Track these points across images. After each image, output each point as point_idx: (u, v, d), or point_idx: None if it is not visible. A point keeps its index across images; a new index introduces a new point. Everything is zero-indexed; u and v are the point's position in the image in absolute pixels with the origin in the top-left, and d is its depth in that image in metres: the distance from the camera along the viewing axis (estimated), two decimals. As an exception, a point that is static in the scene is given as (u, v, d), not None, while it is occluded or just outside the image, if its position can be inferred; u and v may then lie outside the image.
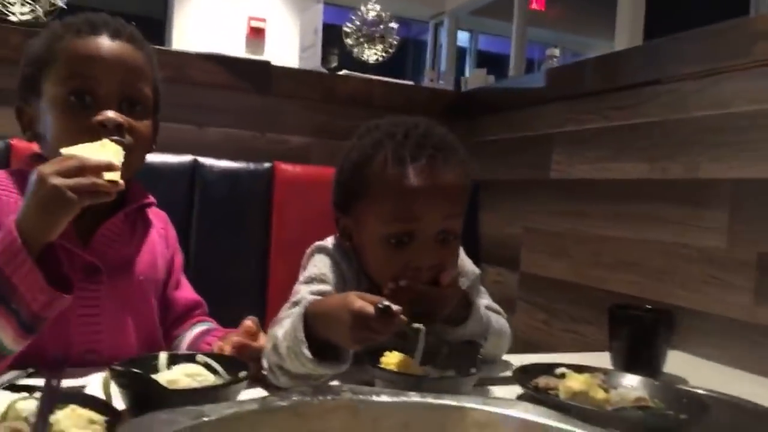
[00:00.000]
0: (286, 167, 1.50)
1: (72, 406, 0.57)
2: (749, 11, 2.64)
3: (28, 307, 0.75)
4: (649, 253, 1.43)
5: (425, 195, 0.93)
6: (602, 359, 1.02)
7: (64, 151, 0.80)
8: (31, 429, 0.51)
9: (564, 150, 1.74)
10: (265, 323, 1.04)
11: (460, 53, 2.79)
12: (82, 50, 0.92)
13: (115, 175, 0.79)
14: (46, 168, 0.76)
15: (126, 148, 0.88)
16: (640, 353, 0.99)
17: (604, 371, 0.87)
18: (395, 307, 0.75)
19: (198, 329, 1.07)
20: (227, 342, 0.88)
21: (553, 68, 2.12)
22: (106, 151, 0.82)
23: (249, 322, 0.91)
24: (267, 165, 1.49)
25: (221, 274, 1.41)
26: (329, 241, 1.06)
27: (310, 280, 0.99)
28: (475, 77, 2.41)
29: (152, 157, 1.36)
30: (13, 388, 0.63)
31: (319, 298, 0.92)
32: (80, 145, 0.82)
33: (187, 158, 1.42)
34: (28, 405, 0.57)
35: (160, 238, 1.08)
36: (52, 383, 0.54)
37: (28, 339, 0.78)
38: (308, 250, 1.06)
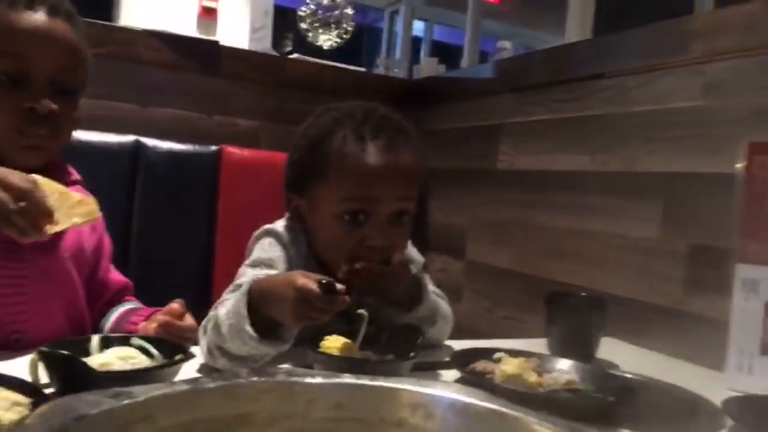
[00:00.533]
0: (234, 150, 1.47)
1: (-5, 388, 0.55)
2: (693, 9, 2.73)
3: None
4: (588, 242, 1.48)
5: (384, 174, 0.94)
6: (541, 345, 1.05)
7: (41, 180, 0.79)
8: (-49, 411, 0.49)
9: (511, 141, 1.77)
10: (209, 308, 1.02)
11: (416, 43, 2.79)
12: (17, 25, 0.88)
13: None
14: None
15: (51, 136, 0.88)
16: (574, 339, 1.03)
17: (540, 356, 0.90)
18: (339, 286, 0.76)
19: (122, 308, 1.04)
20: (153, 321, 0.87)
21: (502, 59, 2.15)
22: (82, 206, 0.82)
23: (175, 304, 0.90)
24: (214, 148, 1.46)
25: (165, 258, 1.38)
26: (278, 225, 1.05)
27: (256, 264, 0.99)
28: (426, 66, 2.42)
29: (93, 136, 1.33)
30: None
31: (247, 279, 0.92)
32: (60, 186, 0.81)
33: (129, 138, 1.39)
34: (-52, 388, 0.55)
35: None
36: (-27, 365, 0.52)
37: None
38: (255, 233, 1.06)
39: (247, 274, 0.96)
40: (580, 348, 1.02)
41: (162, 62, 1.77)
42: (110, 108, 1.67)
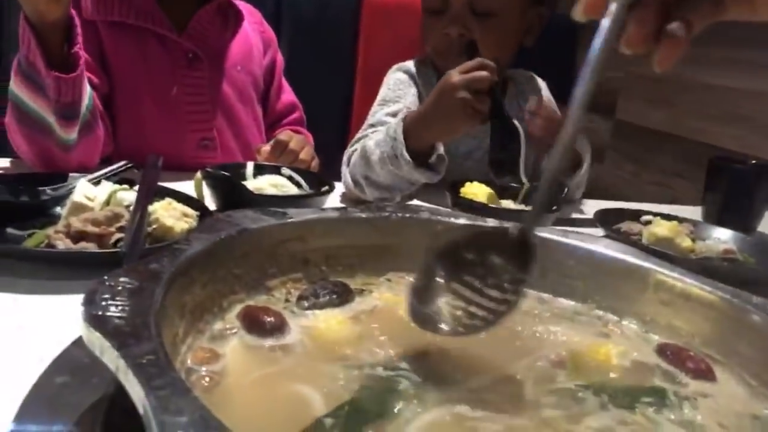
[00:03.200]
0: (375, -7, 1.41)
1: (168, 200, 0.60)
2: None
3: (55, 96, 0.74)
4: (762, 106, 1.30)
5: None
6: (694, 213, 0.98)
7: None
8: (130, 215, 0.54)
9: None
10: (345, 146, 1.05)
11: None
12: None
13: None
14: None
15: None
16: (735, 207, 0.94)
17: (694, 222, 0.84)
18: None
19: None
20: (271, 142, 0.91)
21: None
22: None
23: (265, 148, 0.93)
24: (356, -10, 1.41)
25: (306, 98, 1.40)
26: (409, 62, 1.09)
27: (384, 102, 1.02)
28: None
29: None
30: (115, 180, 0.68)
31: (384, 117, 0.96)
32: None
33: (275, -20, 1.37)
34: (129, 195, 0.61)
35: (254, 32, 1.08)
36: (150, 176, 0.57)
37: (72, 126, 0.77)
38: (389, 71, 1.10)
39: (377, 114, 1.00)
40: (742, 218, 0.93)
41: None
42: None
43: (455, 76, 0.78)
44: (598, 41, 0.37)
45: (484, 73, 0.78)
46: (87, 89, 0.79)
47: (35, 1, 0.70)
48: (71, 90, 0.74)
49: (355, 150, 0.90)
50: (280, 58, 1.14)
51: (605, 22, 0.36)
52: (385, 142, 0.83)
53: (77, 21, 0.75)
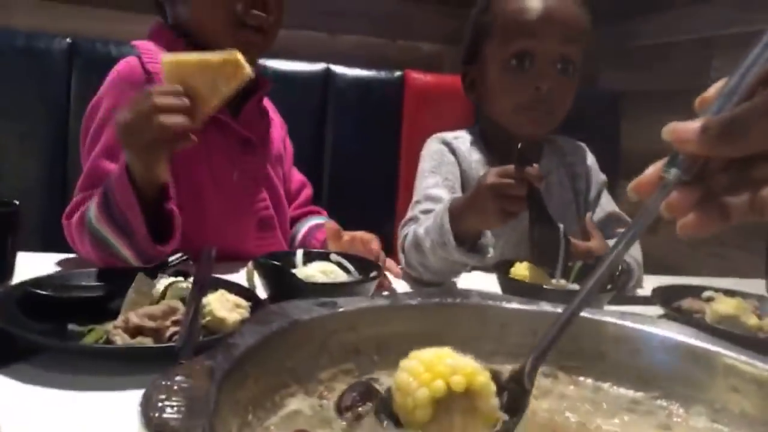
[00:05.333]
0: (417, 75, 1.47)
1: (221, 291, 0.62)
2: None
3: (143, 252, 0.77)
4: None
5: (547, 16, 1.01)
6: (755, 286, 0.94)
7: (167, 58, 0.72)
8: (186, 307, 0.56)
9: (726, 55, 1.54)
10: (394, 229, 1.07)
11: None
12: None
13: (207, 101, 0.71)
14: (123, 109, 0.73)
15: (264, 28, 0.91)
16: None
17: (758, 297, 0.80)
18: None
19: (312, 222, 1.12)
20: (346, 234, 0.90)
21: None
22: (223, 69, 0.71)
23: (331, 225, 0.93)
24: (398, 73, 1.47)
25: (353, 179, 1.44)
26: (448, 132, 1.14)
27: (425, 175, 1.07)
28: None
29: (286, 65, 1.40)
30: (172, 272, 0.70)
31: (442, 193, 1.01)
32: (196, 56, 0.72)
33: (320, 66, 1.44)
34: (184, 288, 0.63)
35: (275, 121, 1.13)
36: (204, 269, 0.58)
37: (150, 263, 0.78)
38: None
39: (419, 188, 1.06)
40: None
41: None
42: (300, 36, 1.74)
43: (491, 177, 0.80)
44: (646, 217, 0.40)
45: (515, 188, 0.78)
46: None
47: (155, 167, 0.72)
48: (163, 254, 0.77)
49: (407, 235, 0.93)
50: (289, 143, 1.18)
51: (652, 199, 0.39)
52: (433, 230, 0.85)
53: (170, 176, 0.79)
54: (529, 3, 1.02)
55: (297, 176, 1.18)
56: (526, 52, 1.02)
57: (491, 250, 0.85)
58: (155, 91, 0.70)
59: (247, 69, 0.71)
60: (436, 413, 0.41)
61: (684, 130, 0.37)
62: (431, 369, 0.41)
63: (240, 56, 0.71)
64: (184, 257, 0.73)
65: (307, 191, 1.19)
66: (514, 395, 0.42)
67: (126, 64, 0.93)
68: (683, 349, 0.48)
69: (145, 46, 0.95)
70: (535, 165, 0.78)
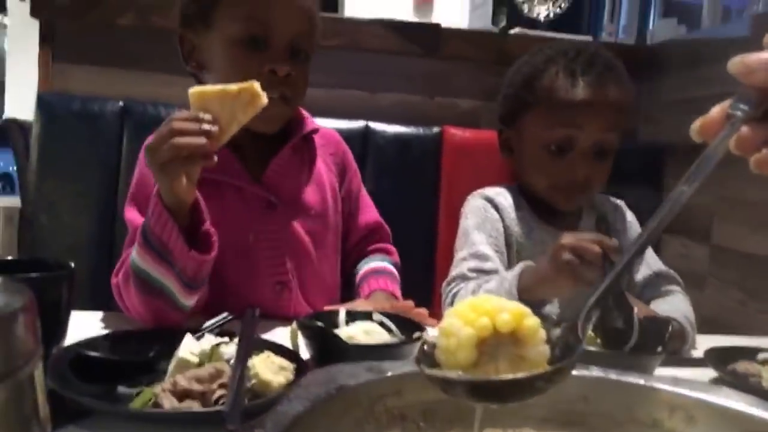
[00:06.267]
0: (455, 132, 1.48)
1: (266, 353, 0.62)
2: None
3: (183, 271, 0.79)
4: None
5: (590, 106, 1.03)
6: (814, 346, 0.90)
7: (192, 89, 0.75)
8: (232, 371, 0.56)
9: None
10: (433, 285, 1.06)
11: (645, 3, 2.53)
12: None
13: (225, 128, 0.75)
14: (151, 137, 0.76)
15: (287, 97, 0.92)
16: None
17: (817, 359, 0.76)
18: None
19: (371, 265, 1.10)
20: (392, 306, 0.90)
21: (762, 14, 1.85)
22: (240, 98, 0.74)
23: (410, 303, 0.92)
24: (436, 129, 1.48)
25: (393, 235, 1.45)
26: (488, 188, 1.16)
27: (468, 232, 1.08)
28: (662, 28, 2.18)
29: (326, 122, 1.43)
30: (216, 332, 0.71)
31: (489, 251, 1.03)
32: (217, 87, 0.75)
33: (359, 124, 1.47)
34: (229, 349, 0.64)
35: (329, 166, 1.10)
36: (249, 331, 0.59)
37: (194, 294, 0.82)
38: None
39: (465, 244, 1.07)
40: None
41: (386, 49, 1.84)
42: (341, 96, 1.79)
43: (568, 237, 0.81)
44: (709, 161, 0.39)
45: (596, 248, 0.78)
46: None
47: (174, 186, 0.75)
48: (205, 266, 0.80)
49: (457, 293, 0.92)
50: (357, 180, 1.16)
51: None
52: (497, 293, 0.85)
53: (200, 197, 0.82)
54: (576, 92, 1.03)
55: (369, 216, 1.15)
56: (567, 141, 1.04)
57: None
58: (175, 117, 0.75)
59: (263, 98, 0.75)
60: (480, 359, 0.39)
61: (753, 59, 0.36)
62: (477, 309, 0.40)
63: (257, 85, 0.75)
64: (230, 317, 0.74)
65: (381, 234, 1.16)
66: (565, 348, 0.40)
67: None
68: (740, 419, 0.46)
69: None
70: (614, 239, 0.78)
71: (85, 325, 0.74)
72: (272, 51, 0.92)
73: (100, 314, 0.89)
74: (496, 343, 0.39)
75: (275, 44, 0.92)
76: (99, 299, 0.93)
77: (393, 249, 1.17)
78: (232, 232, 0.94)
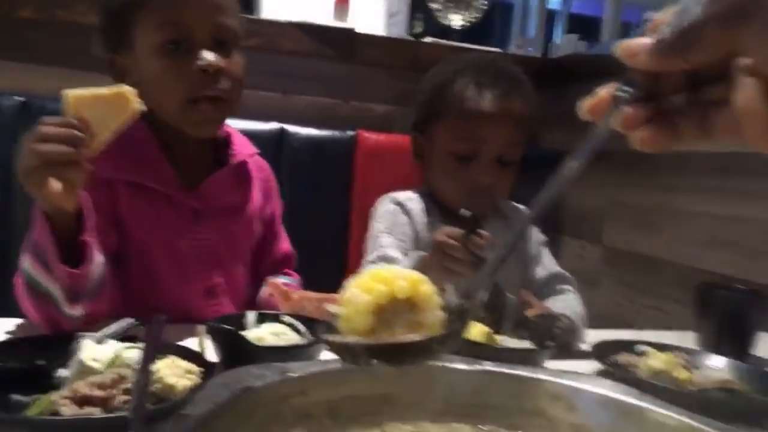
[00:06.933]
0: (369, 135, 1.51)
1: (172, 357, 0.62)
2: None
3: (61, 281, 0.76)
4: (745, 230, 1.35)
5: (495, 119, 1.07)
6: (687, 339, 0.99)
7: (67, 92, 0.72)
8: (135, 376, 0.56)
9: (657, 119, 1.65)
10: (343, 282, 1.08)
11: (551, 17, 2.67)
12: None
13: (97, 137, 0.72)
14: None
15: (225, 95, 0.92)
16: (728, 335, 0.95)
17: (688, 351, 0.85)
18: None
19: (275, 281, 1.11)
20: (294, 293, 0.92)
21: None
22: (113, 103, 0.72)
23: (276, 284, 0.95)
24: (350, 133, 1.51)
25: (304, 239, 1.45)
26: (399, 192, 1.19)
27: (377, 235, 1.11)
28: (564, 43, 2.31)
29: (240, 124, 1.42)
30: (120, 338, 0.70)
31: (397, 254, 1.04)
32: (91, 91, 0.72)
33: (275, 126, 1.47)
34: (133, 354, 0.63)
35: (259, 188, 1.12)
36: (154, 336, 0.59)
37: (79, 305, 0.78)
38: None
39: (372, 247, 1.10)
40: (735, 344, 0.94)
41: (301, 51, 1.85)
42: (255, 97, 1.78)
43: (439, 235, 0.87)
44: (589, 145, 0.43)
45: (458, 245, 0.84)
46: (97, 264, 0.80)
47: (45, 193, 0.71)
48: (79, 280, 0.76)
49: None
50: (278, 208, 1.18)
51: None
52: None
53: (88, 207, 0.79)
54: (483, 104, 1.07)
55: (283, 246, 1.17)
56: (473, 150, 1.08)
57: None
58: (42, 122, 0.71)
59: (135, 104, 0.73)
60: (377, 326, 0.41)
61: (636, 44, 0.40)
62: (376, 277, 0.42)
63: (129, 90, 0.73)
64: (134, 323, 0.73)
65: (290, 265, 1.18)
66: (461, 312, 0.43)
67: None
68: (616, 405, 0.51)
69: None
70: (484, 233, 0.82)
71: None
72: (196, 50, 0.92)
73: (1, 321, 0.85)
74: (394, 309, 0.41)
75: (197, 43, 0.92)
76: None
77: (297, 276, 1.19)
78: (165, 239, 0.95)
